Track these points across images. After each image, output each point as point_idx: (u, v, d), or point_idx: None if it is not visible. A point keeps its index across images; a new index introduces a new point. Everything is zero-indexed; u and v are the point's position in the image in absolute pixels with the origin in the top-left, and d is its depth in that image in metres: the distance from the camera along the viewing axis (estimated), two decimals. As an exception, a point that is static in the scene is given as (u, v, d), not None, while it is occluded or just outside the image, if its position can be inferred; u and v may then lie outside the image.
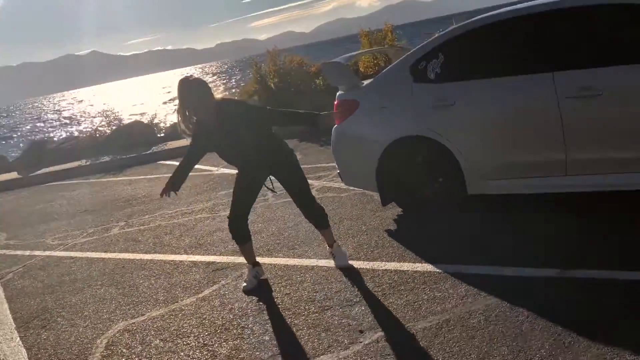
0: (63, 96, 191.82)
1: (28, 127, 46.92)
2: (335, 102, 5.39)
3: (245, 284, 4.22)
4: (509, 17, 4.62)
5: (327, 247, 4.39)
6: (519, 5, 4.74)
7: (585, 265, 3.50)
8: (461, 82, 4.64)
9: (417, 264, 4.03)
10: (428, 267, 3.95)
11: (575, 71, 4.19)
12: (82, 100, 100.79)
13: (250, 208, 4.20)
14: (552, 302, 3.18)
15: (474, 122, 4.59)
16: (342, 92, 5.37)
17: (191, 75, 4.09)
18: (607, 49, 4.23)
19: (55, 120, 54.25)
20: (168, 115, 21.61)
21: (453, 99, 4.63)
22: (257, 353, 3.27)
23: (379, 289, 3.76)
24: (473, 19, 4.89)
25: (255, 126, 3.99)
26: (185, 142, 13.10)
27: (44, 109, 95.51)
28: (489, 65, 4.58)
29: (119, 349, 3.66)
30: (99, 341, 3.83)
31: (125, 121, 15.25)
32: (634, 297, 3.07)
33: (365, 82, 5.42)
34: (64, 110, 72.84)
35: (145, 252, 5.62)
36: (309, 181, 7.12)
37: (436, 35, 5.14)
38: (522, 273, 3.58)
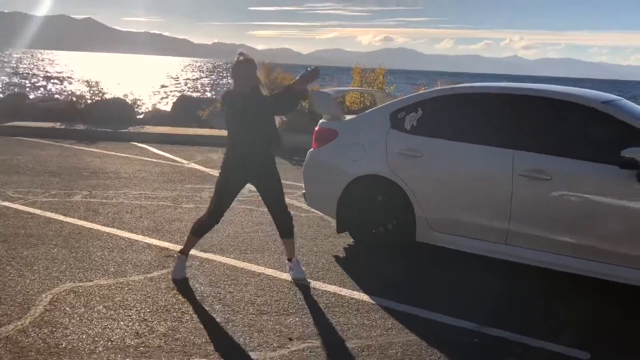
0: (52, 54, 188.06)
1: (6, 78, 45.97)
2: (316, 129, 5.75)
3: (175, 271, 4.45)
4: (487, 92, 5.09)
5: (287, 259, 4.66)
6: (498, 84, 5.23)
7: (502, 326, 3.86)
8: (432, 139, 5.06)
9: (355, 292, 4.35)
10: (364, 296, 4.27)
11: (534, 154, 4.64)
12: (60, 64, 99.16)
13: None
14: (464, 351, 3.53)
15: (435, 177, 4.99)
16: (325, 120, 5.74)
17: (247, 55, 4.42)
18: (567, 141, 4.70)
19: (38, 76, 53.31)
20: (151, 99, 21.66)
21: (422, 151, 5.04)
22: (192, 337, 3.51)
23: (315, 306, 4.06)
24: (455, 85, 5.35)
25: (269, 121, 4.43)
26: (162, 129, 13.13)
27: (30, 63, 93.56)
28: (460, 129, 5.02)
29: (63, 306, 3.85)
30: (44, 295, 4.01)
31: (108, 95, 15.29)
32: (535, 361, 3.44)
33: (348, 117, 5.79)
34: (49, 68, 71.58)
35: (104, 225, 5.80)
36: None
37: (421, 91, 5.57)
38: (445, 320, 3.93)
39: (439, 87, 5.43)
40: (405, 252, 5.22)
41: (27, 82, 43.66)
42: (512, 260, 4.79)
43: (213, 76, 77.99)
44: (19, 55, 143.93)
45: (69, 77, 50.60)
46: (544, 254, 4.64)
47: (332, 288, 4.41)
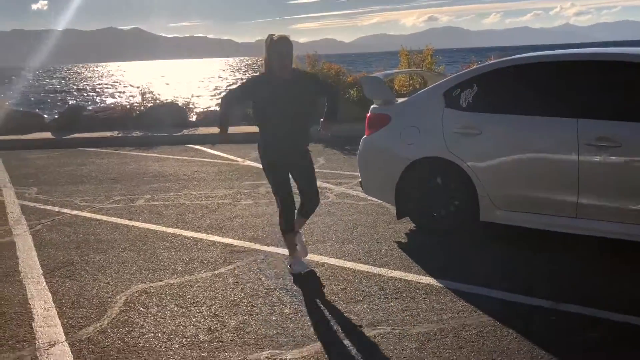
0: (106, 67, 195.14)
1: (65, 91, 47.93)
2: (368, 115, 5.68)
3: (293, 267, 4.47)
4: (545, 60, 4.88)
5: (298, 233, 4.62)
6: (554, 51, 5.01)
7: (579, 301, 3.72)
8: (490, 114, 4.90)
9: (422, 276, 4.28)
10: (431, 280, 4.20)
11: (599, 121, 4.42)
12: (112, 75, 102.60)
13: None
14: (540, 329, 3.41)
15: (495, 153, 4.84)
16: (376, 105, 5.66)
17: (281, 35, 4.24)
18: (634, 104, 4.46)
19: (92, 89, 55.34)
20: (202, 101, 22.07)
21: (480, 128, 4.89)
22: (263, 330, 3.54)
23: (382, 293, 4.02)
24: (510, 57, 5.16)
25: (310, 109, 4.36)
26: (214, 130, 13.34)
27: (85, 76, 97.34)
28: (518, 102, 4.84)
29: (137, 306, 3.96)
30: (118, 297, 4.14)
31: (161, 100, 15.67)
32: (619, 337, 3.29)
33: (399, 100, 5.70)
34: (103, 80, 74.24)
35: (168, 226, 5.95)
36: (329, 185, 7.43)
37: (474, 66, 5.41)
38: (518, 299, 3.81)
39: (493, 61, 5.26)
40: (469, 233, 5.10)
41: (84, 94, 45.38)
42: (583, 233, 4.61)
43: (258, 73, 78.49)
44: (73, 70, 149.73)
45: (122, 87, 52.25)
46: (617, 225, 4.43)
47: (397, 274, 4.36)
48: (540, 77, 4.84)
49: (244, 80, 4.42)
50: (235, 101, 4.53)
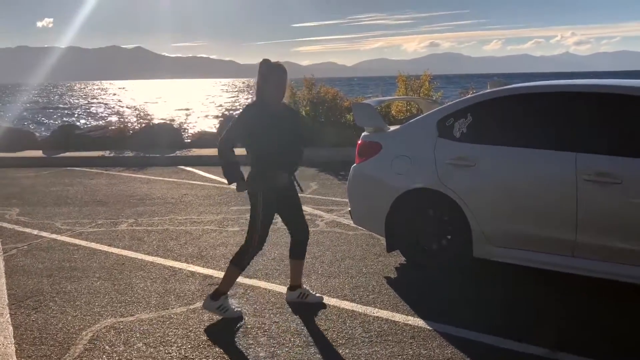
0: (105, 84, 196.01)
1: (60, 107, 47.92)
2: (359, 142, 5.47)
3: (225, 310, 4.08)
4: (543, 91, 4.68)
5: (291, 287, 4.34)
6: (553, 82, 4.81)
7: (577, 350, 3.45)
8: (485, 146, 4.68)
9: (410, 317, 4.01)
10: (419, 322, 3.93)
11: (599, 156, 4.20)
12: (113, 94, 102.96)
13: None
14: (535, 381, 3.15)
15: (490, 187, 4.61)
16: (368, 133, 5.45)
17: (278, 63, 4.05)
18: (635, 140, 4.24)
19: (86, 106, 55.34)
20: (197, 122, 21.93)
21: (474, 160, 4.67)
22: (234, 376, 3.27)
23: (367, 335, 3.75)
24: (506, 86, 4.96)
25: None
26: (208, 151, 13.15)
27: (85, 94, 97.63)
28: (515, 134, 4.63)
29: (102, 345, 3.68)
30: (84, 333, 3.87)
31: (155, 121, 15.50)
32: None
33: (392, 128, 5.49)
34: (99, 98, 74.37)
35: (148, 254, 5.68)
36: (320, 212, 7.18)
37: (469, 95, 5.20)
38: (511, 346, 3.54)
39: (488, 90, 5.05)
40: (462, 270, 4.84)
41: (78, 112, 45.32)
42: (581, 273, 4.35)
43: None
44: (74, 87, 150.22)
45: (118, 106, 52.28)
46: (616, 266, 4.18)
47: (384, 314, 4.09)
48: (538, 108, 4.63)
49: (240, 114, 4.05)
50: (236, 140, 4.07)
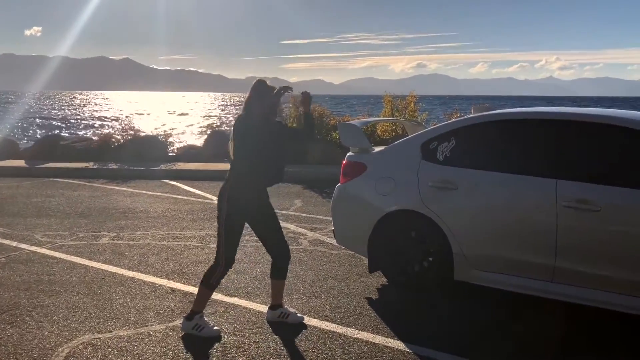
0: (89, 95, 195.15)
1: (42, 118, 47.56)
2: (344, 162, 5.50)
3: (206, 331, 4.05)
4: (525, 117, 4.77)
5: (272, 306, 4.34)
6: (536, 108, 4.90)
7: (553, 376, 3.48)
8: (467, 170, 4.73)
9: (390, 339, 4.02)
10: (399, 344, 3.93)
11: (579, 183, 4.27)
12: (99, 104, 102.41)
13: None
14: (513, 407, 3.16)
15: (471, 210, 4.66)
16: (353, 153, 5.49)
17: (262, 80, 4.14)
18: (615, 168, 4.32)
19: (73, 117, 54.96)
20: (183, 136, 21.87)
21: (457, 183, 4.72)
22: (212, 396, 3.24)
23: (347, 357, 3.74)
24: (490, 112, 5.04)
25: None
26: (193, 166, 13.11)
27: (68, 104, 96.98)
28: (497, 159, 4.69)
29: (78, 362, 3.64)
30: (60, 349, 3.81)
31: (142, 133, 15.43)
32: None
33: (377, 148, 5.53)
34: (84, 108, 73.93)
35: (128, 269, 5.63)
36: (303, 230, 7.18)
37: (454, 118, 5.27)
38: (489, 371, 3.56)
39: (472, 115, 5.13)
40: (443, 293, 4.86)
41: (64, 123, 45.00)
42: (560, 299, 4.39)
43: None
44: (61, 97, 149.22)
45: (104, 117, 51.95)
46: (595, 293, 4.23)
47: (364, 335, 4.09)
48: (520, 134, 4.70)
49: (240, 130, 4.03)
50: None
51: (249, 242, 6.30)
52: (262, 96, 4.05)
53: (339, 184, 5.49)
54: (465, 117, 5.09)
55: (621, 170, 4.28)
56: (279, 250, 4.27)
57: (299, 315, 4.34)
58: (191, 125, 41.08)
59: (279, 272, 4.31)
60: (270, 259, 4.35)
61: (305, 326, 4.24)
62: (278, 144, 4.14)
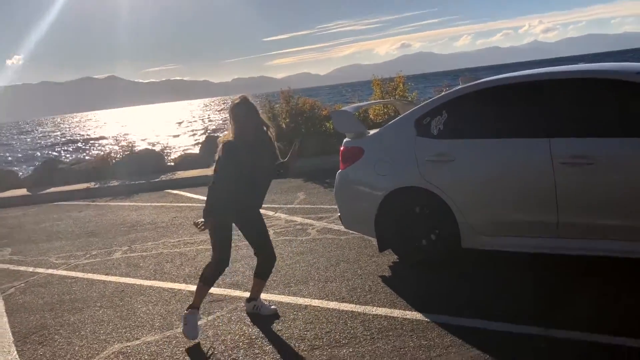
0: (75, 117, 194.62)
1: (41, 144, 47.62)
2: (342, 148, 5.62)
3: (188, 329, 4.12)
4: (512, 82, 4.88)
5: (249, 299, 4.48)
6: (521, 72, 5.02)
7: (567, 326, 3.62)
8: (462, 140, 4.86)
9: (407, 312, 4.16)
10: (417, 315, 4.08)
11: (571, 139, 4.39)
12: (88, 122, 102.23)
13: None
14: (531, 358, 3.30)
15: (471, 179, 4.78)
16: (349, 139, 5.61)
17: (243, 97, 4.24)
18: (603, 120, 4.44)
19: (67, 140, 54.99)
20: (180, 145, 22.00)
21: (453, 155, 4.85)
22: (245, 385, 3.38)
23: (368, 333, 3.88)
24: (478, 81, 5.15)
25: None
26: (193, 173, 13.17)
27: (59, 128, 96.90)
28: (489, 126, 4.81)
29: (113, 370, 3.78)
30: (93, 361, 3.95)
31: (137, 148, 15.54)
32: (611, 360, 3.19)
33: (372, 131, 5.65)
34: (78, 131, 73.86)
35: (146, 278, 5.77)
36: (310, 221, 7.31)
37: (442, 93, 5.39)
38: (507, 328, 3.70)
39: (460, 86, 5.24)
40: (452, 263, 5.00)
41: (58, 147, 45.04)
42: (566, 253, 4.53)
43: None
44: (48, 122, 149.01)
45: (97, 137, 51.97)
46: (599, 243, 4.36)
47: (382, 311, 4.23)
48: (508, 99, 4.82)
49: (224, 150, 4.08)
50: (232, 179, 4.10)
51: (259, 238, 6.43)
52: (232, 117, 4.11)
53: (340, 170, 5.61)
54: (454, 89, 5.21)
55: (610, 122, 4.40)
56: (264, 255, 4.39)
57: (272, 307, 4.47)
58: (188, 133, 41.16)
59: (262, 273, 4.45)
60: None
61: (323, 310, 4.37)
62: (264, 162, 4.18)
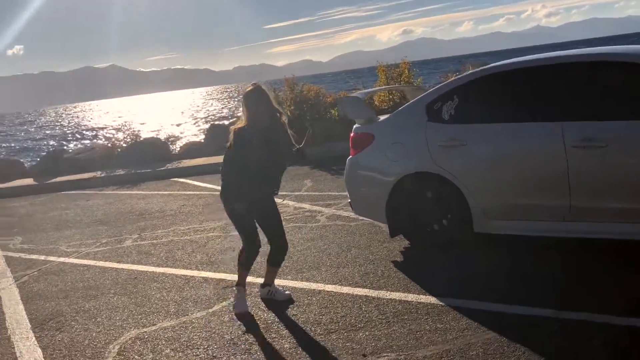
0: (77, 106, 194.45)
1: (46, 134, 47.68)
2: (352, 135, 5.63)
3: (237, 304, 4.28)
4: (523, 66, 4.88)
5: (263, 285, 4.52)
6: (532, 56, 5.01)
7: (580, 307, 3.65)
8: (473, 125, 4.87)
9: (422, 296, 4.19)
10: (431, 299, 4.11)
11: (583, 122, 4.40)
12: (90, 116, 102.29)
13: None
14: (546, 340, 3.33)
15: (483, 164, 4.80)
16: (359, 125, 5.61)
17: (256, 85, 4.23)
18: (614, 103, 4.45)
19: (71, 130, 55.02)
20: (184, 133, 22.00)
21: (464, 140, 4.85)
22: (264, 368, 3.43)
23: (383, 317, 3.92)
24: (489, 65, 5.15)
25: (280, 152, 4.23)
26: (198, 161, 13.21)
27: (62, 118, 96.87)
28: (502, 110, 4.82)
29: (131, 355, 3.82)
30: (111, 347, 4.00)
31: (142, 136, 15.56)
32: (626, 342, 3.22)
33: (382, 117, 5.65)
34: (80, 120, 73.92)
35: (158, 265, 5.81)
36: (319, 208, 7.33)
37: (453, 78, 5.39)
38: (520, 311, 3.74)
39: (471, 71, 5.24)
40: (464, 247, 5.02)
41: (63, 137, 45.09)
42: (577, 236, 4.55)
43: (236, 100, 79.17)
44: (51, 112, 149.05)
45: (102, 126, 51.99)
46: (610, 225, 4.39)
47: (396, 295, 4.26)
48: (520, 84, 4.82)
49: (233, 137, 4.14)
50: (237, 162, 4.17)
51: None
52: (245, 105, 4.15)
53: (350, 157, 5.62)
54: (465, 74, 5.20)
55: (622, 105, 4.40)
56: (277, 244, 4.40)
57: (286, 292, 4.51)
58: (191, 122, 41.15)
59: (275, 261, 4.47)
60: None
61: (337, 294, 4.41)
62: (275, 148, 4.16)
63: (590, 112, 4.44)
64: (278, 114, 4.24)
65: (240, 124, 4.20)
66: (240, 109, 4.39)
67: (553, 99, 4.59)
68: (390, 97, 13.46)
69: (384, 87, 11.32)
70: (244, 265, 4.35)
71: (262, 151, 4.09)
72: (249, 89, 4.20)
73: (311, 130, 4.31)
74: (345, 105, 5.79)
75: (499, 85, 4.89)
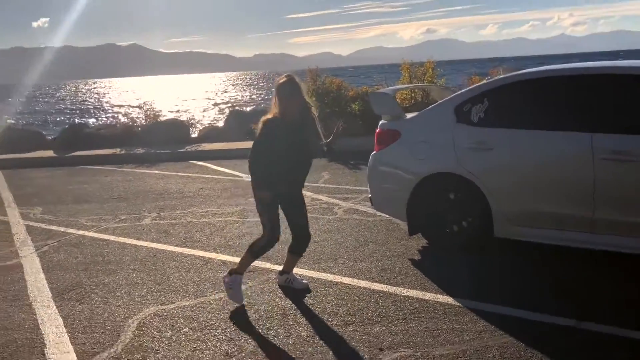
0: (96, 82, 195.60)
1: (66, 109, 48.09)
2: (377, 130, 5.64)
3: (234, 295, 4.28)
4: (557, 74, 4.86)
5: (281, 272, 4.56)
6: (567, 65, 4.99)
7: (601, 319, 3.65)
8: (502, 129, 4.86)
9: (439, 295, 4.22)
10: (449, 299, 4.13)
11: (614, 135, 4.38)
12: (110, 92, 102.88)
13: None
14: (564, 350, 3.34)
15: (509, 169, 4.79)
16: (386, 121, 5.62)
17: (289, 76, 4.24)
18: (648, 118, 4.42)
19: (93, 105, 55.42)
20: (204, 117, 22.05)
21: (492, 144, 4.85)
22: (281, 354, 3.47)
23: (400, 313, 3.95)
24: (522, 70, 5.13)
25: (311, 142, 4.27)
26: (217, 146, 13.27)
27: (82, 93, 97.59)
28: (532, 117, 4.80)
29: (150, 330, 3.89)
30: (130, 321, 4.07)
31: (163, 117, 15.66)
32: (645, 356, 3.23)
33: (409, 115, 5.66)
34: (101, 97, 74.40)
35: (176, 245, 5.88)
36: (336, 200, 7.36)
37: (485, 80, 5.38)
38: (539, 318, 3.75)
39: (502, 75, 5.23)
40: (483, 250, 5.03)
41: (83, 112, 45.47)
42: (599, 248, 4.55)
43: (256, 87, 79.16)
44: (72, 87, 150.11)
45: (123, 104, 52.33)
46: (634, 240, 4.37)
47: (414, 293, 4.29)
48: (553, 91, 4.80)
49: (261, 128, 4.15)
50: (264, 153, 4.16)
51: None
52: (277, 96, 4.15)
53: (374, 152, 5.64)
54: (497, 78, 5.19)
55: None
56: (300, 235, 4.42)
57: (304, 281, 4.54)
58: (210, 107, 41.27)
59: (297, 251, 4.50)
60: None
61: (354, 287, 4.45)
62: (305, 140, 4.19)
63: (622, 125, 4.42)
64: (308, 107, 4.27)
65: (271, 114, 4.22)
66: (270, 98, 4.39)
67: (584, 109, 4.58)
68: (413, 95, 13.43)
69: (413, 85, 11.28)
70: (255, 254, 4.35)
71: (290, 144, 4.12)
72: (282, 80, 4.21)
73: (341, 125, 4.34)
74: (375, 100, 5.80)
75: (531, 91, 4.88)
